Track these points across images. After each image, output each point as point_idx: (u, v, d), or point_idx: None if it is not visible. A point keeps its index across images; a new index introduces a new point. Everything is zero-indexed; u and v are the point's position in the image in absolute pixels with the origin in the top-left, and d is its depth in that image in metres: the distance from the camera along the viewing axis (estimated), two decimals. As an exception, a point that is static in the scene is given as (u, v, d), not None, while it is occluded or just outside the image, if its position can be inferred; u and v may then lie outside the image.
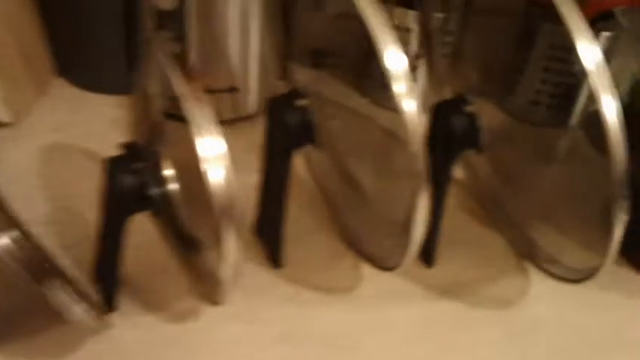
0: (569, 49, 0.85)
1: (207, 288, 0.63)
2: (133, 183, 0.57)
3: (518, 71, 0.90)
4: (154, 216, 0.62)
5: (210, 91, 0.85)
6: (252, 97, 0.87)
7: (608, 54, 0.87)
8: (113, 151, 0.79)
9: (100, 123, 0.87)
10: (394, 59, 0.51)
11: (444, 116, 0.64)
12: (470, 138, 0.64)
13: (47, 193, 0.75)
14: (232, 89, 0.85)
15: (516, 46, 0.85)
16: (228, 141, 0.85)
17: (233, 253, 0.53)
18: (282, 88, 0.86)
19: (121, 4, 0.84)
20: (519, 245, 0.74)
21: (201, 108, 0.52)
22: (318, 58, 0.75)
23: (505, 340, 0.65)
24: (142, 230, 0.62)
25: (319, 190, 0.77)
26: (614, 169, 0.53)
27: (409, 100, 0.51)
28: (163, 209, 0.62)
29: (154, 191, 0.59)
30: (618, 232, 0.56)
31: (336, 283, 0.69)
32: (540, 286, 0.70)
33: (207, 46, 0.82)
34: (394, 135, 0.87)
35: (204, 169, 0.51)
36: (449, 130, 0.64)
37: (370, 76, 0.93)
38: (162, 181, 0.64)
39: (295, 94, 0.63)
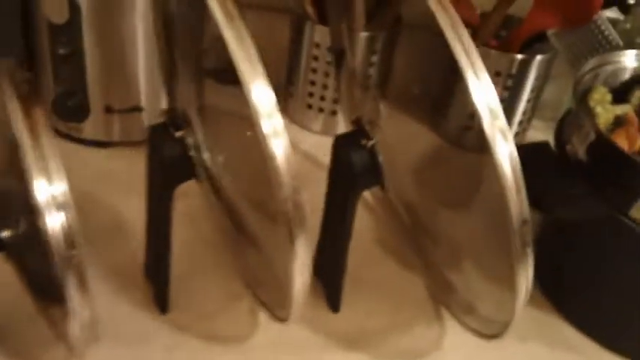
0: (497, 73, 0.80)
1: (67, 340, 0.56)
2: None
3: (450, 93, 0.83)
4: (9, 259, 0.55)
5: (114, 111, 0.78)
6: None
7: (543, 78, 0.81)
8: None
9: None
10: (260, 94, 0.44)
11: (343, 151, 0.58)
12: (370, 175, 0.58)
13: None
14: (136, 109, 0.78)
15: (447, 67, 0.78)
16: (134, 164, 0.78)
17: (80, 307, 0.46)
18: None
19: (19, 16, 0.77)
20: (436, 289, 0.67)
21: (39, 146, 0.45)
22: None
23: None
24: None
25: (217, 225, 0.70)
26: (511, 227, 0.47)
27: (277, 141, 0.45)
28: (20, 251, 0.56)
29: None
30: (522, 292, 0.50)
31: (228, 330, 0.62)
32: (456, 336, 0.64)
33: (108, 62, 0.75)
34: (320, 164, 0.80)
35: (39, 216, 0.44)
36: (348, 166, 0.57)
37: (291, 95, 0.87)
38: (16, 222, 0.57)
39: (174, 122, 0.57)
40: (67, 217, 0.45)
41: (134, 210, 0.66)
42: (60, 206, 0.45)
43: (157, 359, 0.59)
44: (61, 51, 0.73)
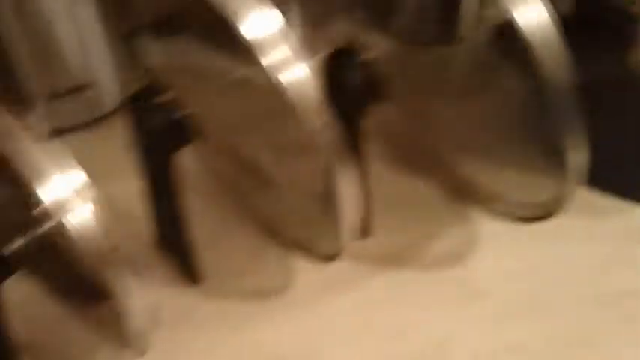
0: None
1: (122, 337, 0.54)
2: None
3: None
4: (35, 270, 0.51)
5: (57, 95, 0.73)
6: (110, 91, 0.75)
7: None
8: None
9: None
10: (255, 25, 0.41)
11: (338, 71, 0.54)
12: (370, 91, 0.55)
13: None
14: (81, 88, 0.73)
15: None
16: (94, 145, 0.72)
17: (134, 300, 0.44)
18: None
19: None
20: (455, 189, 0.65)
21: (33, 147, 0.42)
22: (169, 27, 0.64)
23: (468, 301, 0.58)
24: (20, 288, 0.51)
25: (219, 183, 0.67)
26: (555, 99, 0.45)
27: (294, 69, 0.42)
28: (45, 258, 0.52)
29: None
30: (576, 161, 0.48)
31: (266, 285, 0.60)
32: (487, 230, 0.62)
33: (34, 45, 0.69)
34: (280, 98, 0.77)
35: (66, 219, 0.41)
36: (346, 86, 0.54)
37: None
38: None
39: (154, 88, 0.53)
40: (95, 211, 0.42)
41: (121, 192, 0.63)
42: (85, 200, 0.42)
43: (205, 334, 0.56)
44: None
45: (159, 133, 0.51)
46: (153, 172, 0.54)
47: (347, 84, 0.53)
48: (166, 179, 0.53)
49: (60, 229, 0.41)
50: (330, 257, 0.56)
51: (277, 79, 0.41)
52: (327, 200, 0.48)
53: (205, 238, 0.59)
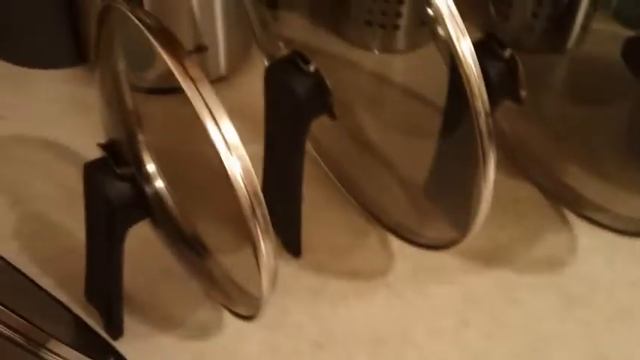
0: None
1: (228, 298, 0.54)
2: (128, 191, 0.46)
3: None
4: (153, 222, 0.51)
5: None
6: (222, 56, 0.76)
7: None
8: (76, 137, 0.67)
9: (51, 103, 0.74)
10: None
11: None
12: (508, 87, 0.55)
13: (7, 200, 0.63)
14: (200, 48, 0.73)
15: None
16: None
17: (271, 259, 0.44)
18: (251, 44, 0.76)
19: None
20: (556, 194, 0.66)
21: (204, 89, 0.42)
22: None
23: (566, 308, 0.58)
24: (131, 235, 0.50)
25: (322, 161, 0.67)
26: None
27: (465, 44, 0.42)
28: (157, 212, 0.52)
29: (149, 194, 0.49)
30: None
31: (364, 266, 0.60)
32: (589, 239, 0.63)
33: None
34: (394, 83, 0.78)
35: (227, 164, 0.40)
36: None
37: (348, 15, 0.83)
38: (149, 178, 0.53)
39: (298, 56, 0.53)
40: (246, 165, 0.41)
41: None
42: (239, 154, 0.41)
43: (304, 305, 0.57)
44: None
45: (305, 97, 0.51)
46: (286, 137, 0.54)
47: (488, 74, 0.53)
48: (296, 149, 0.53)
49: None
50: (440, 247, 0.56)
51: (460, 51, 0.41)
52: (456, 188, 0.48)
53: (309, 213, 0.59)
